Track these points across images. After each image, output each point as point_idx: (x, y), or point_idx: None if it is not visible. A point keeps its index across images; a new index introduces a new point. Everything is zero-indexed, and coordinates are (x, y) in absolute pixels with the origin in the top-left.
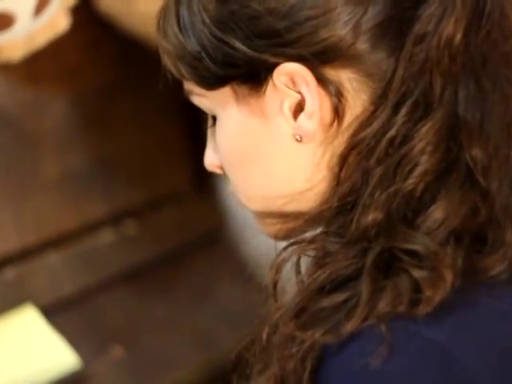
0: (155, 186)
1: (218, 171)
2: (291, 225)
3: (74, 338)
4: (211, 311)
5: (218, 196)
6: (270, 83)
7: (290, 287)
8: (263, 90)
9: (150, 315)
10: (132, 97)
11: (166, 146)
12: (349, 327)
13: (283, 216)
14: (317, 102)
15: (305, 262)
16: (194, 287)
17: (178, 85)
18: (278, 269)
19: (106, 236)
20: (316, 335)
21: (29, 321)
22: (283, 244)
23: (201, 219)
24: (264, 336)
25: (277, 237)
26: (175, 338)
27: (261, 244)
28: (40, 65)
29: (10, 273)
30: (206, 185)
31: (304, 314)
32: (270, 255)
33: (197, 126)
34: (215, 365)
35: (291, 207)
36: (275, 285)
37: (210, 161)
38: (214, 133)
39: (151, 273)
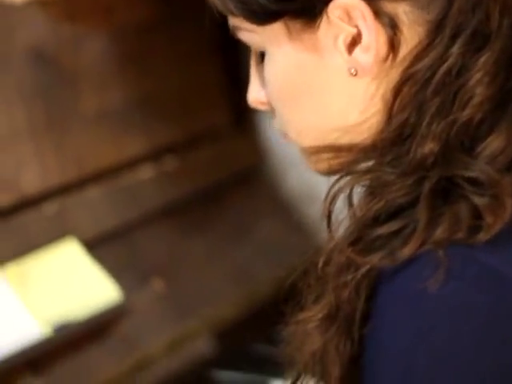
0: (194, 122)
1: (262, 108)
2: (343, 159)
3: (115, 272)
4: (250, 246)
5: (258, 132)
6: (325, 18)
7: (343, 218)
8: (317, 24)
9: (189, 250)
10: (170, 32)
11: (206, 81)
12: (406, 252)
13: (336, 150)
14: (373, 35)
15: (357, 194)
16: (233, 222)
17: (217, 20)
18: (332, 199)
19: (146, 172)
20: (373, 260)
21: (71, 254)
22: (323, 180)
23: (240, 155)
24: (319, 265)
25: (327, 172)
26: (214, 272)
27: (299, 181)
28: (78, 1)
29: (51, 207)
30: (246, 121)
31: (360, 242)
32: (308, 191)
33: (236, 62)
34: (253, 299)
35: (344, 140)
36: (329, 215)
37: (255, 97)
38: (260, 69)
39: (191, 208)
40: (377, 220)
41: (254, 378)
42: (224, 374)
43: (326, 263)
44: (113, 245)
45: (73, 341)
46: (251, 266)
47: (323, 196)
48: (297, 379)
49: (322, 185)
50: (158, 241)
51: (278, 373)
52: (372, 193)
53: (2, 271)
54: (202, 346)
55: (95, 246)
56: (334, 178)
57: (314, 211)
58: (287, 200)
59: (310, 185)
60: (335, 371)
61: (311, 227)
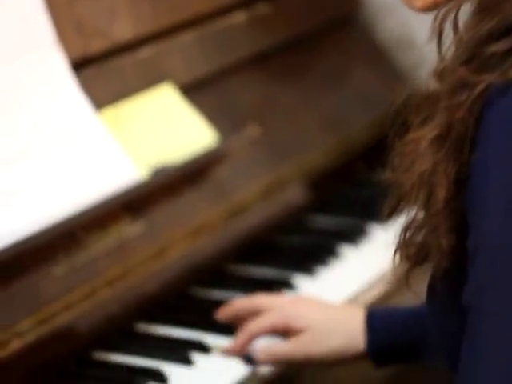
0: None
1: None
2: None
3: (210, 117)
4: (344, 94)
5: None
6: None
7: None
8: None
9: (283, 97)
10: None
11: None
12: None
13: None
14: None
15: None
16: (327, 70)
17: None
18: (442, 18)
19: (239, 18)
20: (489, 78)
21: (167, 99)
22: (422, 25)
23: (335, 2)
24: (430, 85)
25: (432, 7)
26: (308, 119)
27: (397, 26)
28: None
29: (145, 53)
30: None
31: (473, 60)
32: (406, 37)
33: None
34: (347, 146)
35: None
36: (440, 35)
37: None
38: None
39: (284, 54)
40: (490, 38)
41: (349, 221)
42: (319, 218)
43: (438, 81)
44: (207, 90)
45: (169, 185)
46: (345, 112)
47: (421, 41)
48: (396, 206)
49: (421, 29)
50: (253, 87)
51: (374, 216)
52: (484, 10)
53: (98, 116)
54: (296, 192)
55: (190, 92)
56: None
57: (411, 57)
58: (384, 46)
59: (407, 30)
60: (442, 192)
61: (408, 74)
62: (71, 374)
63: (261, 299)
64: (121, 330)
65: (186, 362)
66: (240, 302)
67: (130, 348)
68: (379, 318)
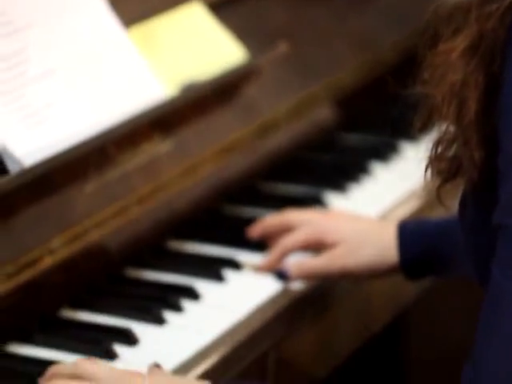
0: None
1: None
2: None
3: (240, 34)
4: (375, 13)
5: None
6: None
7: None
8: None
9: (313, 15)
10: None
11: None
12: None
13: None
14: None
15: None
16: None
17: None
18: None
19: None
20: None
21: (196, 16)
22: None
23: None
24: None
25: None
26: (338, 38)
27: None
28: None
29: None
30: None
31: None
32: None
33: None
34: (377, 64)
35: None
36: None
37: None
38: None
39: None
40: None
41: (380, 139)
42: (350, 136)
43: None
44: (236, 8)
45: (199, 103)
46: (375, 30)
47: None
48: (427, 120)
49: None
50: (281, 5)
51: (405, 133)
52: None
53: (127, 33)
54: (326, 110)
55: (219, 9)
56: None
57: None
58: None
59: None
60: (473, 104)
61: None
62: (103, 291)
63: (292, 215)
64: (152, 248)
65: (218, 278)
66: (271, 219)
67: (162, 265)
68: (411, 230)
